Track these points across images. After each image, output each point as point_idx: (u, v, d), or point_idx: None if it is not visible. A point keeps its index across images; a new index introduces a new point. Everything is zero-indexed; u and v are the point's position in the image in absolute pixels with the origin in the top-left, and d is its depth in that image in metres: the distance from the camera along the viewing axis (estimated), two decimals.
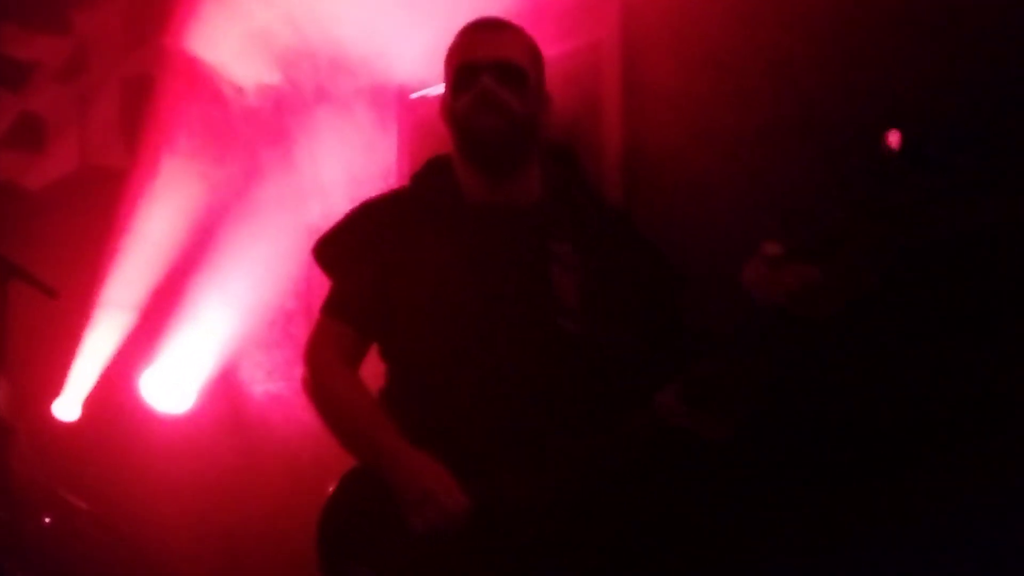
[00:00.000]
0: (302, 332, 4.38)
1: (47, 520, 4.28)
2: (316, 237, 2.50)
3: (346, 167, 4.26)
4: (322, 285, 2.51)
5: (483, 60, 2.31)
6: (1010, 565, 2.53)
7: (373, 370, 2.50)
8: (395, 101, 4.14)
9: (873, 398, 2.75)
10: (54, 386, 4.82)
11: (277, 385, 4.52)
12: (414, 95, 4.05)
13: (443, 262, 2.31)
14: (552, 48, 3.31)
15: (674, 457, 2.26)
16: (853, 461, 2.79)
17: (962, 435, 2.62)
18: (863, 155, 2.10)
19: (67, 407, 4.81)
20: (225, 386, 4.68)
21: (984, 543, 2.57)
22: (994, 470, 2.58)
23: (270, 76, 4.46)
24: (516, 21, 2.67)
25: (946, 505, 2.63)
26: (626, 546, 2.29)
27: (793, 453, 2.84)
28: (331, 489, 2.37)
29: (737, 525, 2.86)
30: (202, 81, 4.68)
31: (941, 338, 2.64)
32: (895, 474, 2.73)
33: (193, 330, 4.66)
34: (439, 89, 2.52)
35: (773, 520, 2.86)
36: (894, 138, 1.93)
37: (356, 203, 2.48)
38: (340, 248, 2.43)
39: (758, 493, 2.86)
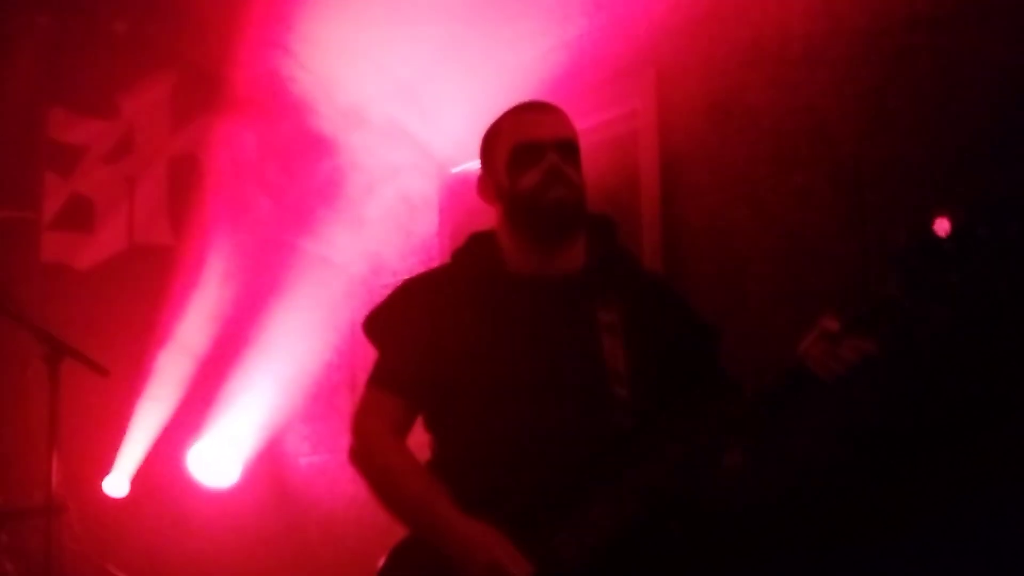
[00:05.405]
0: (346, 404, 4.41)
1: None
2: (363, 311, 2.53)
3: (389, 240, 4.31)
4: (366, 358, 2.53)
5: (547, 138, 2.38)
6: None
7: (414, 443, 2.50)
8: (436, 175, 4.20)
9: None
10: (104, 463, 4.87)
11: (322, 457, 4.53)
12: (455, 169, 4.11)
13: (493, 332, 2.33)
14: (590, 117, 3.37)
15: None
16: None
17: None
18: (901, 220, 2.13)
19: (117, 483, 4.85)
20: (270, 459, 4.70)
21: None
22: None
23: (312, 152, 4.55)
24: (554, 91, 2.70)
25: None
26: None
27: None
28: (381, 562, 2.35)
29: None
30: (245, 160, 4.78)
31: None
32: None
33: (238, 404, 4.70)
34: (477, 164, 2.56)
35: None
36: (942, 226, 1.98)
37: (401, 278, 2.52)
38: (387, 321, 2.46)
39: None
